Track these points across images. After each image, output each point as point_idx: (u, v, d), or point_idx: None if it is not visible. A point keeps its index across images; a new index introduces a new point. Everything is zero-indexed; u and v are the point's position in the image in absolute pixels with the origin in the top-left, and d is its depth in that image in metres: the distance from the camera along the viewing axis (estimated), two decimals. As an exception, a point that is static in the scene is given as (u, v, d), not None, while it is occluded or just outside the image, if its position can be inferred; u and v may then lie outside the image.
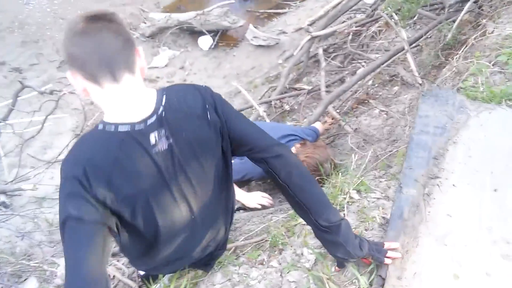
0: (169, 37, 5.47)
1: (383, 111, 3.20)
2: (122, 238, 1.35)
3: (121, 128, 1.18)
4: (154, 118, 1.22)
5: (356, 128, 3.20)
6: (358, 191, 1.88)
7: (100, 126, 1.20)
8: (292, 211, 2.02)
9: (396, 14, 3.44)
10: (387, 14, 3.53)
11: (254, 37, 5.20)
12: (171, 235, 1.43)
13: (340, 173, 1.96)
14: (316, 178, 2.60)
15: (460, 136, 1.79)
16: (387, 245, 1.49)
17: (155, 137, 1.22)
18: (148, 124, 1.21)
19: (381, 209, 1.75)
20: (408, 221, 1.58)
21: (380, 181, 1.95)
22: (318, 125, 3.17)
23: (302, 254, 1.66)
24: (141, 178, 1.23)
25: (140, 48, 1.24)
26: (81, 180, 1.13)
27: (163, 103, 1.25)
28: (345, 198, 1.83)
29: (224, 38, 5.61)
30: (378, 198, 1.82)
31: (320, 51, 4.27)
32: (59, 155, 3.67)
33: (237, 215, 2.73)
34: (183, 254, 1.57)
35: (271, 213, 2.69)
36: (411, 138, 1.81)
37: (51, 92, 3.63)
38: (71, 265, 1.11)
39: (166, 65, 5.23)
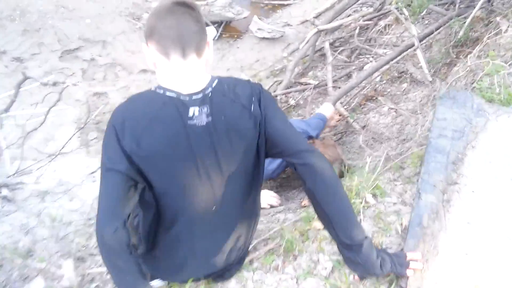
0: (172, 28, 5.39)
1: (392, 108, 3.16)
2: (143, 217, 1.45)
3: (169, 93, 1.30)
4: (200, 96, 1.31)
5: (365, 126, 3.16)
6: (374, 195, 1.84)
7: (153, 88, 1.33)
8: (304, 213, 1.98)
9: (406, 9, 3.37)
10: (396, 9, 3.46)
11: (259, 29, 5.12)
12: (190, 221, 1.44)
13: (355, 175, 1.92)
14: None
15: (479, 141, 1.76)
16: (409, 256, 1.46)
17: (194, 111, 1.30)
18: (192, 98, 1.30)
19: (398, 215, 1.71)
20: (428, 229, 1.55)
21: (395, 184, 1.92)
22: (327, 109, 2.97)
23: (318, 260, 1.63)
24: (169, 143, 1.30)
25: (211, 40, 1.38)
26: (117, 129, 1.26)
27: (213, 85, 1.34)
28: (361, 203, 1.79)
29: (228, 29, 5.53)
30: (394, 203, 1.78)
31: (327, 45, 4.20)
32: (62, 147, 3.62)
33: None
34: (201, 256, 1.54)
35: (279, 212, 2.66)
36: (429, 142, 1.77)
37: (54, 84, 3.57)
38: (99, 208, 1.30)
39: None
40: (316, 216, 1.84)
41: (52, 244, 2.79)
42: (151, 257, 1.56)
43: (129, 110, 1.30)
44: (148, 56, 1.34)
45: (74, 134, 3.73)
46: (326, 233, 1.74)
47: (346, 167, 2.63)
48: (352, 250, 1.41)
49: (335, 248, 1.66)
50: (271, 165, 2.68)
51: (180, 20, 1.28)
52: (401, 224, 1.68)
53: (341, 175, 2.61)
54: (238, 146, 1.38)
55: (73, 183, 3.59)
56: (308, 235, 1.80)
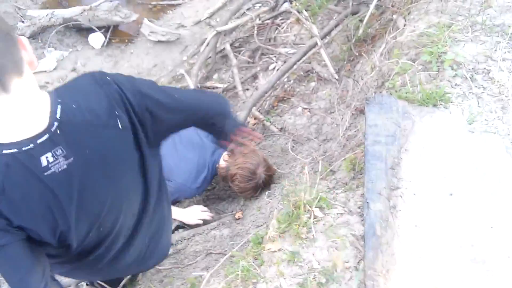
0: (54, 36, 4.92)
1: (305, 108, 3.23)
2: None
3: (6, 151, 1.00)
4: (46, 137, 1.03)
5: (282, 128, 3.20)
6: (320, 208, 1.85)
7: None
8: (251, 235, 1.93)
9: (306, 10, 3.46)
10: (296, 10, 3.54)
11: (152, 32, 4.89)
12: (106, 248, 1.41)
13: (297, 189, 1.91)
14: (254, 187, 2.53)
15: (410, 143, 1.86)
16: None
17: (46, 158, 1.04)
18: (38, 143, 1.03)
19: (348, 226, 1.74)
20: (382, 238, 1.60)
21: (337, 193, 1.95)
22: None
23: (280, 286, 1.59)
24: (33, 207, 1.08)
25: (23, 38, 1.04)
26: None
27: (58, 116, 1.06)
28: (309, 217, 1.79)
29: (117, 34, 5.19)
30: (341, 214, 1.81)
31: (228, 46, 4.16)
32: None
33: (178, 235, 2.57)
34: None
35: (214, 229, 2.59)
36: (366, 149, 1.83)
37: None
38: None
39: (55, 68, 4.70)
40: (267, 236, 1.82)
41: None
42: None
43: None
44: None
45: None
46: (281, 254, 1.72)
47: (272, 170, 2.61)
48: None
49: (295, 270, 1.65)
50: (194, 183, 2.57)
51: None
52: (352, 235, 1.71)
53: (269, 180, 2.58)
54: (118, 171, 1.23)
55: None
56: (262, 259, 1.76)
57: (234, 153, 2.54)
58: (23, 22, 4.84)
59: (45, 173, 1.05)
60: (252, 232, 2.34)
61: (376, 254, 1.55)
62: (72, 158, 1.08)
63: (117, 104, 1.15)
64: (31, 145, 1.02)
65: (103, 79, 1.20)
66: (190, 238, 2.55)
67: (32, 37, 4.84)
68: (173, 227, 2.66)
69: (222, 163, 2.61)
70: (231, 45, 4.26)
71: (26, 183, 1.04)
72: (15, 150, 1.00)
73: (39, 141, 1.02)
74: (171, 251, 2.54)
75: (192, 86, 3.81)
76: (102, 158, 1.15)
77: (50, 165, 1.05)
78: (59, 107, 1.06)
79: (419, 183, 1.76)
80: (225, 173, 2.54)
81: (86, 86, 1.16)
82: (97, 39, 5.00)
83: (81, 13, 4.92)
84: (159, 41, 4.89)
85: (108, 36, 5.08)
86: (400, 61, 2.45)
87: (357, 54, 3.25)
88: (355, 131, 2.50)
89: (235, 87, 3.73)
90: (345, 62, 3.29)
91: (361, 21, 3.20)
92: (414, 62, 2.40)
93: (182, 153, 2.52)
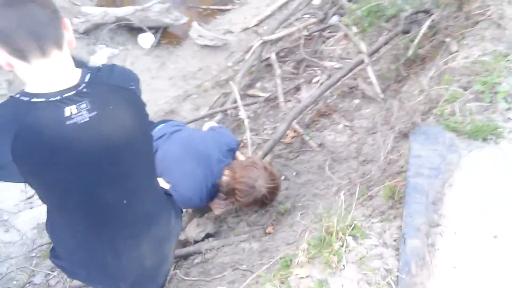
0: (106, 34, 5.06)
1: (347, 126, 3.17)
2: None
3: (35, 99, 1.18)
4: (73, 92, 1.22)
5: (321, 144, 3.14)
6: (354, 237, 1.79)
7: (17, 95, 1.19)
8: (282, 259, 1.89)
9: (355, 25, 3.39)
10: (345, 25, 3.48)
11: (200, 35, 4.94)
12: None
13: (331, 214, 1.86)
14: (254, 202, 2.38)
15: (455, 178, 1.77)
16: None
17: (70, 110, 1.20)
18: (64, 96, 1.21)
19: (382, 259, 1.68)
20: (417, 277, 1.53)
21: (373, 222, 1.89)
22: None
23: (307, 315, 1.56)
24: (46, 149, 1.20)
25: (67, 20, 1.26)
26: None
27: (86, 79, 1.26)
28: (341, 246, 1.74)
29: (166, 35, 5.30)
30: (375, 245, 1.75)
31: (273, 56, 4.15)
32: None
33: (207, 244, 2.57)
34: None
35: (244, 241, 2.57)
36: (407, 181, 1.76)
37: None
38: None
39: (104, 65, 4.84)
40: (296, 260, 1.78)
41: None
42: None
43: None
44: None
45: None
46: (308, 282, 1.68)
47: (276, 179, 2.45)
48: None
49: (323, 299, 1.60)
50: (199, 197, 2.44)
51: (25, 13, 1.11)
52: (385, 270, 1.65)
53: (272, 192, 2.41)
54: (135, 136, 1.36)
55: (8, 212, 3.25)
56: (289, 283, 1.72)
57: (233, 167, 2.44)
58: (77, 18, 5.00)
59: (67, 122, 1.19)
60: (282, 249, 2.30)
61: (408, 294, 1.49)
62: (95, 112, 1.23)
63: (135, 81, 1.40)
64: (58, 97, 1.19)
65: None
66: (220, 249, 2.54)
67: (85, 33, 5.00)
68: (202, 235, 2.67)
69: (223, 178, 2.47)
70: (276, 54, 4.25)
71: (45, 127, 1.18)
72: (43, 99, 1.18)
73: (65, 95, 1.20)
74: (199, 259, 2.54)
75: (236, 93, 3.81)
76: (125, 116, 1.31)
77: (72, 116, 1.20)
78: (88, 74, 1.27)
79: (462, 221, 1.67)
80: (227, 189, 2.42)
81: (111, 65, 1.39)
82: (146, 39, 5.11)
83: (134, 13, 5.05)
84: (205, 45, 4.94)
85: (157, 37, 5.19)
86: (451, 88, 2.35)
87: (405, 74, 3.16)
88: (397, 156, 2.42)
89: (276, 98, 3.71)
90: (392, 82, 3.21)
91: (412, 41, 3.10)
92: (465, 91, 2.30)
93: (187, 165, 2.44)
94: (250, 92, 4.08)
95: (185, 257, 2.60)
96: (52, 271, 2.78)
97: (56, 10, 1.19)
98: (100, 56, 4.83)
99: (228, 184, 2.39)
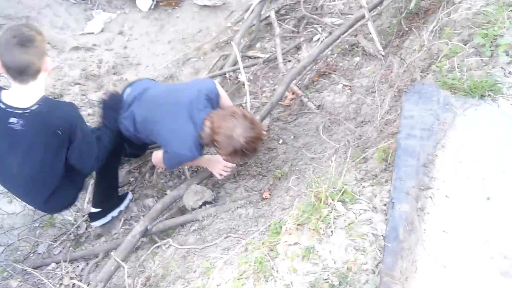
0: (103, -2, 4.94)
1: (346, 86, 3.06)
2: None
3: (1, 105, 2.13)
4: (20, 111, 2.11)
5: (320, 105, 3.06)
6: (343, 202, 1.75)
7: None
8: (272, 225, 1.86)
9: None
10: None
11: (198, -5, 4.79)
12: None
13: (320, 180, 1.81)
14: (234, 152, 2.35)
15: (448, 139, 1.69)
16: None
17: (12, 120, 2.10)
18: (15, 111, 2.11)
19: (370, 224, 1.64)
20: (405, 243, 1.48)
21: (364, 187, 1.84)
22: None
23: (291, 284, 1.53)
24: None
25: (48, 59, 2.13)
26: None
27: (32, 108, 2.12)
28: (330, 212, 1.69)
29: (164, -4, 5.13)
30: (365, 210, 1.70)
31: (273, 14, 4.00)
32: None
33: (204, 211, 2.56)
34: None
35: (241, 207, 2.55)
36: (398, 144, 1.69)
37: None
38: None
39: (102, 30, 4.73)
40: (286, 227, 1.75)
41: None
42: None
43: None
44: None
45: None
46: (296, 249, 1.65)
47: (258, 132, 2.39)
48: None
49: (309, 267, 1.58)
50: (189, 151, 2.43)
51: (22, 56, 1.99)
52: (373, 235, 1.60)
53: (253, 142, 2.35)
54: (38, 149, 2.19)
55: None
56: (278, 251, 1.69)
57: (213, 117, 2.39)
58: (73, -18, 4.86)
59: (8, 125, 2.12)
60: (277, 215, 2.28)
61: (395, 260, 1.45)
62: (24, 128, 2.12)
63: (67, 127, 2.22)
64: (11, 110, 2.11)
65: (72, 108, 2.31)
66: (216, 215, 2.53)
67: (82, -3, 4.88)
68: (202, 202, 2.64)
69: (205, 130, 2.41)
70: (276, 12, 4.09)
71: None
72: (4, 107, 2.12)
73: (16, 111, 2.11)
74: (196, 226, 2.54)
75: (238, 55, 3.70)
76: (36, 140, 2.17)
77: (13, 123, 2.11)
78: (36, 107, 2.13)
79: (454, 184, 1.61)
80: (208, 141, 2.39)
81: (61, 105, 2.37)
82: (145, 1, 4.96)
83: (130, -26, 4.87)
84: (205, 6, 4.79)
85: (155, -1, 5.03)
86: (451, 42, 2.23)
87: (407, 29, 3.01)
88: (394, 116, 2.34)
89: (276, 58, 3.59)
90: (393, 37, 3.07)
91: (413, -8, 2.94)
92: (465, 44, 2.18)
93: (168, 123, 2.43)
94: (250, 53, 3.97)
95: (182, 224, 2.59)
96: (55, 241, 2.82)
97: (42, 55, 2.08)
98: (97, 22, 4.72)
99: (209, 135, 2.36)
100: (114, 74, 4.23)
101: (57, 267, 2.61)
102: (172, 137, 2.41)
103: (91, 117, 3.63)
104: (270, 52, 3.84)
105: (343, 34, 3.13)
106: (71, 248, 2.80)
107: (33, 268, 2.54)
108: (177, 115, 2.41)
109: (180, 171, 3.13)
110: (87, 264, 2.64)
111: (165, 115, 2.43)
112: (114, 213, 2.90)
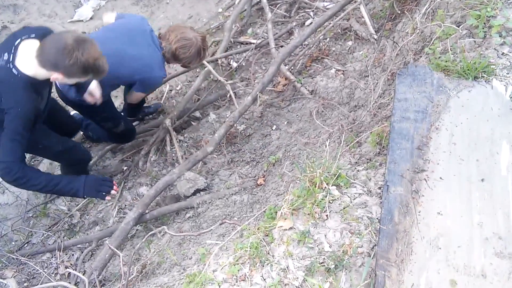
0: (91, -15, 4.85)
1: (339, 70, 3.05)
2: None
3: None
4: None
5: (313, 90, 3.04)
6: (338, 186, 1.75)
7: None
8: (267, 210, 1.86)
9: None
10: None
11: (188, -19, 4.71)
12: None
13: (315, 165, 1.80)
14: (198, 51, 2.59)
15: (442, 121, 1.69)
16: None
17: None
18: None
19: (365, 207, 1.64)
20: (400, 225, 1.49)
21: (358, 170, 1.84)
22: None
23: (287, 268, 1.53)
24: None
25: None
26: None
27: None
28: (325, 196, 1.69)
29: (154, -18, 5.05)
30: (360, 194, 1.70)
31: (264, -2, 3.94)
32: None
33: (199, 198, 2.55)
34: None
35: (235, 193, 2.55)
36: (392, 127, 1.68)
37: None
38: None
39: (91, 18, 4.67)
40: (281, 212, 1.75)
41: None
42: None
43: None
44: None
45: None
46: (291, 233, 1.65)
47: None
48: None
49: (304, 251, 1.58)
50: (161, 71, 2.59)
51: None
52: (368, 218, 1.61)
53: (204, 40, 2.62)
54: None
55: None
56: (273, 236, 1.69)
57: (164, 35, 2.59)
58: (60, -31, 4.77)
59: None
60: (271, 200, 2.27)
61: (390, 243, 1.45)
62: None
63: None
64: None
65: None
66: (211, 202, 2.52)
67: (70, -15, 4.79)
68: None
69: (164, 48, 2.57)
70: (268, -4, 4.04)
71: None
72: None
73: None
74: (191, 213, 2.53)
75: (225, 42, 3.67)
76: None
77: None
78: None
79: (448, 166, 1.61)
80: (170, 55, 2.56)
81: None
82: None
83: (118, -40, 4.79)
84: (195, -9, 4.72)
85: (145, -15, 4.95)
86: (444, 24, 2.21)
87: (399, 12, 2.99)
88: (388, 99, 2.33)
89: (268, 44, 3.56)
90: (385, 21, 3.04)
91: (406, -25, 2.91)
92: (458, 26, 2.16)
93: (140, 49, 2.50)
94: (241, 39, 3.92)
95: (177, 212, 2.59)
96: (48, 231, 2.80)
97: None
98: (86, 9, 4.65)
99: (169, 49, 2.54)
100: (104, 61, 4.18)
101: (52, 257, 2.60)
102: (142, 64, 2.50)
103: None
104: (262, 37, 3.80)
105: (334, 14, 3.09)
106: (65, 238, 2.79)
107: (28, 258, 2.53)
108: (140, 41, 2.52)
109: (173, 159, 3.11)
110: (82, 253, 2.63)
111: (124, 46, 2.47)
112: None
